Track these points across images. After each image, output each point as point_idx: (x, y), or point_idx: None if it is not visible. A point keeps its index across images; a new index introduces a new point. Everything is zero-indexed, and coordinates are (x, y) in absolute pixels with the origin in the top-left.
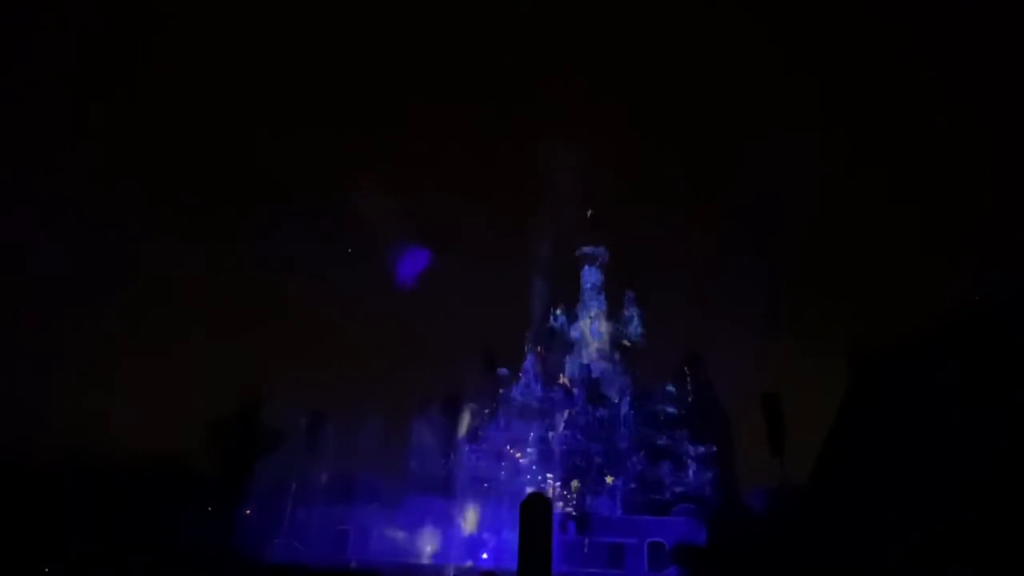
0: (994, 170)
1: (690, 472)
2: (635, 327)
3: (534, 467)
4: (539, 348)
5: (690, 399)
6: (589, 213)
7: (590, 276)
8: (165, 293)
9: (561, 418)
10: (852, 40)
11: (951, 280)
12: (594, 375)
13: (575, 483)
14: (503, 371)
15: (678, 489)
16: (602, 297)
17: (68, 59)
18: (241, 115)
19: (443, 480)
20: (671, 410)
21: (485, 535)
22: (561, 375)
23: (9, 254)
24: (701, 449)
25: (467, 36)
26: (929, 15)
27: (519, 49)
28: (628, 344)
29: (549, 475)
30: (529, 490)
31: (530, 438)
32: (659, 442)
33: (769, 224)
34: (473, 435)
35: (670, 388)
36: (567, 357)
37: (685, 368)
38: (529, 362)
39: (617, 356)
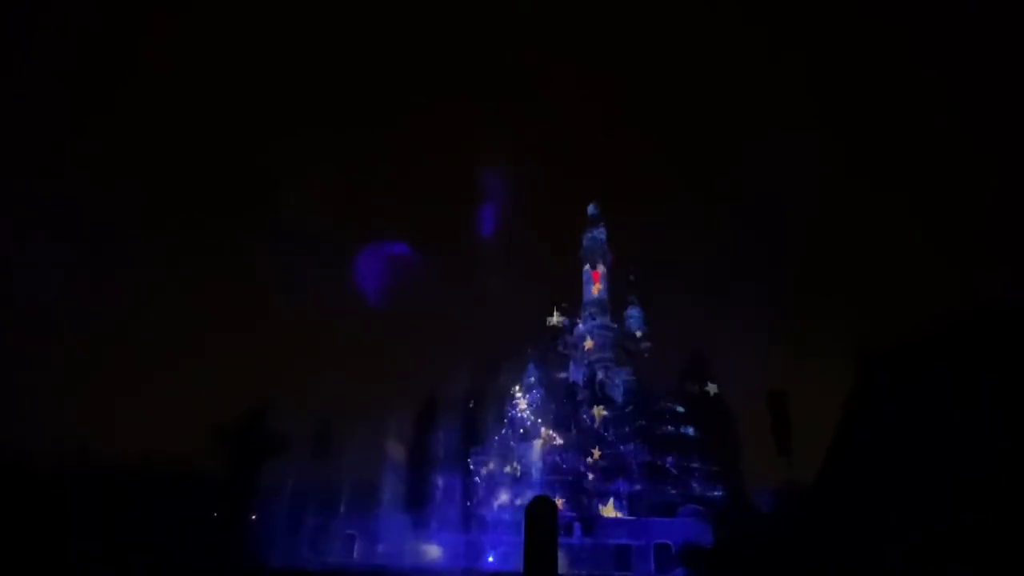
0: (996, 170)
1: (696, 473)
2: (639, 327)
3: (538, 470)
4: (542, 350)
5: (695, 399)
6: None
7: (593, 275)
8: (169, 295)
9: (565, 419)
10: (853, 40)
11: (954, 279)
12: (598, 376)
13: (580, 485)
14: (506, 373)
15: (684, 490)
16: (605, 298)
17: (68, 59)
18: (242, 115)
19: (449, 482)
20: (676, 410)
21: (491, 538)
22: (565, 377)
23: (11, 255)
24: (707, 450)
25: (466, 36)
26: (929, 15)
27: (518, 49)
28: (632, 344)
29: (554, 478)
30: (534, 492)
31: (534, 441)
32: (664, 443)
33: (772, 224)
34: (479, 437)
35: (675, 388)
36: (571, 358)
37: (690, 368)
38: (532, 364)
39: (621, 356)
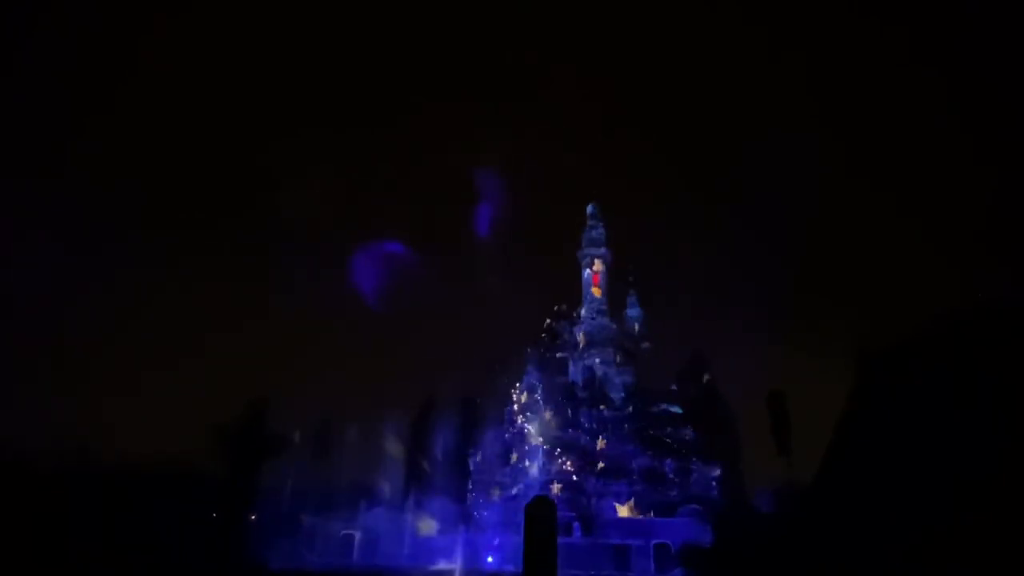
0: (996, 169)
1: (695, 472)
2: (638, 327)
3: (538, 469)
4: (542, 350)
5: (694, 399)
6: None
7: (592, 276)
8: (169, 295)
9: (564, 420)
10: (853, 40)
11: (953, 279)
12: (597, 376)
13: (579, 485)
14: (506, 373)
15: (684, 490)
16: (604, 297)
17: (68, 59)
18: (242, 115)
19: (448, 483)
20: (675, 410)
21: (490, 538)
22: (564, 377)
23: (11, 255)
24: (706, 450)
25: (466, 36)
26: (929, 15)
27: (518, 49)
28: (631, 344)
29: (553, 477)
30: (534, 492)
31: (534, 441)
32: (664, 442)
33: (772, 224)
34: (478, 437)
35: (674, 388)
36: (570, 359)
37: (689, 368)
38: (532, 364)
39: (620, 356)
